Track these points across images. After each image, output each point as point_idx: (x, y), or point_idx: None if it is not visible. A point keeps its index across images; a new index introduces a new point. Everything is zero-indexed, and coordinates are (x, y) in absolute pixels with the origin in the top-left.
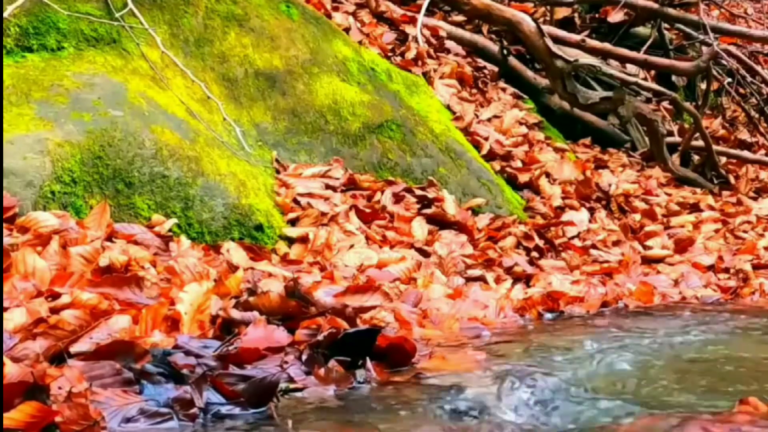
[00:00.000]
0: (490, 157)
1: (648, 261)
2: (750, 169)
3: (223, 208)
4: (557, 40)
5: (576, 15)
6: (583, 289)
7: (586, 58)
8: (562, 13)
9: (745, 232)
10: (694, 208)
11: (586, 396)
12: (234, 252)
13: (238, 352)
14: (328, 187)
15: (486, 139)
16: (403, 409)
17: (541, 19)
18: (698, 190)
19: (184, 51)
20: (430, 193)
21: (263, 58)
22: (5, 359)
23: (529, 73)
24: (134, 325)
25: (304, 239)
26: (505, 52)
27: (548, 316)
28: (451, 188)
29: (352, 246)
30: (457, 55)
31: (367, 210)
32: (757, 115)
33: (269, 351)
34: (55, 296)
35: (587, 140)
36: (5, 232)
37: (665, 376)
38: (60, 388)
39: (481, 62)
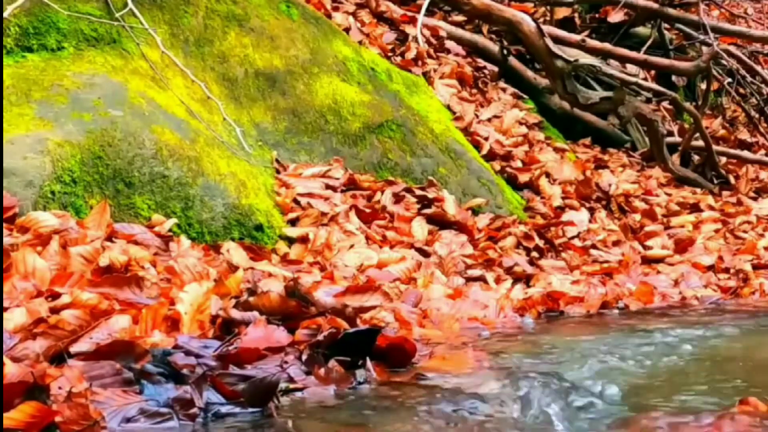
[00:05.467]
0: (490, 157)
1: (648, 261)
2: (750, 169)
3: (223, 208)
4: (557, 40)
5: (576, 15)
6: (583, 289)
7: (586, 58)
8: (562, 13)
9: (745, 232)
10: (694, 208)
11: (586, 396)
12: (234, 252)
13: (238, 352)
14: (328, 187)
15: (486, 139)
16: (403, 409)
17: (541, 19)
18: (698, 190)
19: (184, 51)
20: (430, 193)
21: (263, 58)
22: (5, 359)
23: (529, 73)
24: (134, 325)
25: (304, 239)
26: (505, 52)
27: (548, 315)
28: (451, 188)
29: (352, 246)
30: (457, 55)
31: (367, 210)
32: (757, 115)
33: (269, 351)
34: (55, 296)
35: (587, 140)
36: (5, 232)
37: (665, 375)
38: (60, 388)
39: (481, 62)
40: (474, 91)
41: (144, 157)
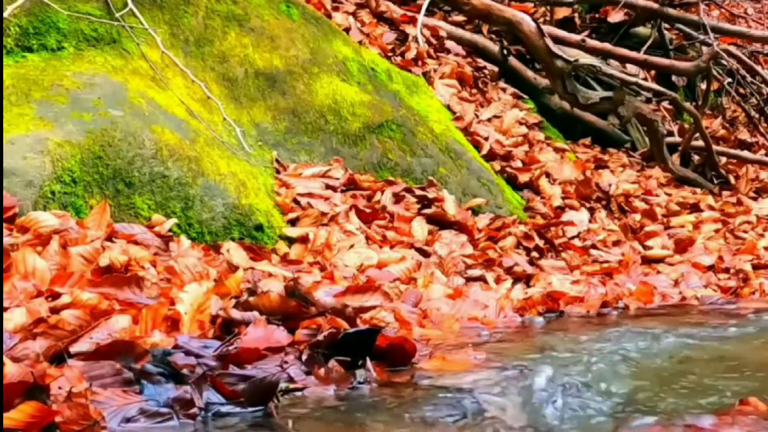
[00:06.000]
0: (490, 157)
1: (648, 261)
2: (750, 169)
3: (223, 208)
4: (557, 40)
5: (576, 15)
6: (583, 289)
7: (586, 58)
8: (562, 13)
9: (745, 232)
10: (694, 208)
11: (586, 396)
12: (234, 252)
13: (238, 352)
14: (328, 187)
15: (486, 139)
16: (403, 409)
17: (541, 19)
18: (698, 190)
19: (184, 51)
20: (430, 193)
21: (263, 58)
22: (5, 359)
23: (529, 73)
24: (134, 325)
25: (304, 239)
26: (505, 52)
27: (548, 316)
28: (451, 188)
29: (352, 246)
30: (457, 55)
31: (367, 210)
32: (757, 115)
33: (269, 351)
34: (55, 296)
35: (587, 140)
36: (5, 232)
37: (665, 375)
38: (60, 388)
39: (481, 62)
40: (474, 91)
41: (144, 157)
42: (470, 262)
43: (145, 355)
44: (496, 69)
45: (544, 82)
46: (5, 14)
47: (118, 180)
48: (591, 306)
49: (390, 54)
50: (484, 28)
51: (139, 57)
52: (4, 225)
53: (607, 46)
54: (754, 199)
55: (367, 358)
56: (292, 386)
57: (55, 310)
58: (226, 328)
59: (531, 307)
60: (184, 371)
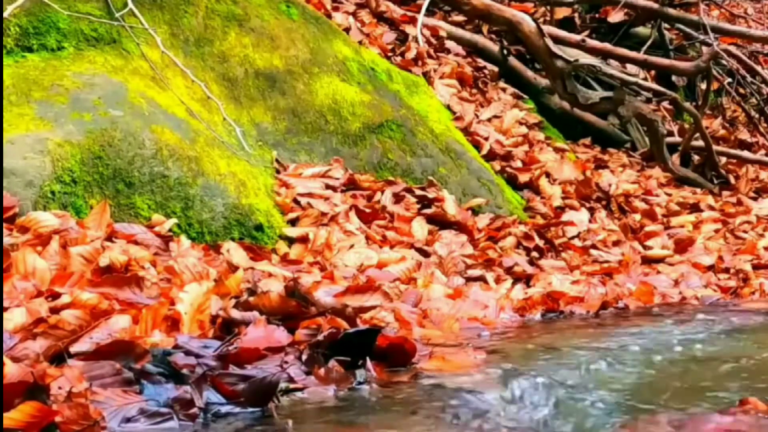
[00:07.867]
0: (490, 157)
1: (648, 261)
2: (750, 169)
3: (223, 208)
4: (557, 40)
5: (576, 15)
6: (583, 289)
7: (586, 58)
8: (562, 13)
9: (745, 232)
10: (694, 208)
11: (586, 396)
12: (234, 252)
13: (238, 352)
14: (328, 187)
15: (486, 139)
16: (402, 409)
17: (541, 19)
18: (698, 190)
19: (184, 51)
20: (430, 193)
21: (263, 58)
22: (5, 359)
23: (529, 73)
24: (134, 325)
25: (304, 239)
26: (505, 52)
27: (548, 316)
28: (451, 188)
29: (352, 246)
30: (457, 55)
31: (367, 210)
32: (757, 115)
33: (269, 351)
34: (55, 296)
35: (587, 140)
36: (5, 232)
37: (665, 376)
38: (60, 388)
39: (481, 62)
40: (474, 91)
41: (144, 157)
42: (470, 262)
43: (145, 355)
44: (496, 69)
45: (544, 82)
46: (5, 14)
47: (118, 180)
48: (591, 306)
49: (390, 54)
50: (484, 28)
51: (139, 57)
52: (4, 225)
53: (607, 46)
54: (754, 199)
55: (367, 358)
56: (292, 386)
57: (55, 310)
58: (226, 328)
59: (531, 307)
60: (184, 371)
